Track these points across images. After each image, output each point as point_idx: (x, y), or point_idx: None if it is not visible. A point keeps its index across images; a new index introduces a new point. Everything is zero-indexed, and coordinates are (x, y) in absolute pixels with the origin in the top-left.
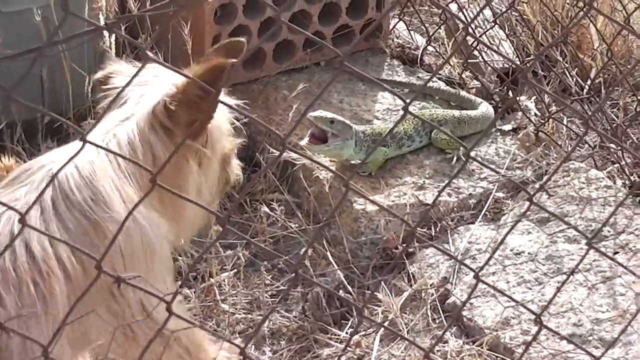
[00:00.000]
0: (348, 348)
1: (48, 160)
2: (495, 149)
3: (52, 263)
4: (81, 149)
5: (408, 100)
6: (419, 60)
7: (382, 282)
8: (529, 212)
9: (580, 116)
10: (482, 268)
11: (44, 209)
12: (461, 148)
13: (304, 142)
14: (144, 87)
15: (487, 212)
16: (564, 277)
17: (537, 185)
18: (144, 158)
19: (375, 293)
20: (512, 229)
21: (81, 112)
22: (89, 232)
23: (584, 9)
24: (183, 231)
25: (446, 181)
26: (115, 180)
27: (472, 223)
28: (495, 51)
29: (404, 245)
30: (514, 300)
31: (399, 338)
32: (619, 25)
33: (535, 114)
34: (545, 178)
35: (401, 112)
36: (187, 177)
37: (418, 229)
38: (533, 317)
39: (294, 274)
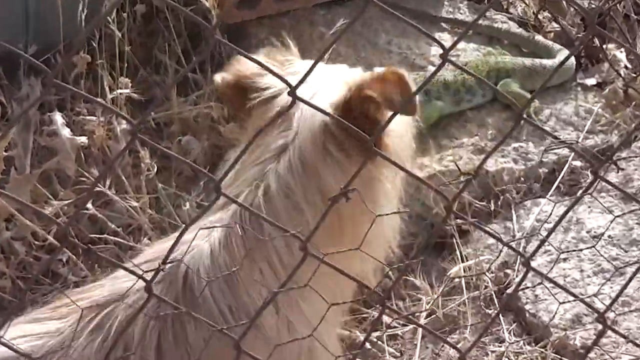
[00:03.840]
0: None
1: None
2: (575, 107)
3: None
4: None
5: (448, 47)
6: None
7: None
8: (609, 188)
9: None
10: (533, 254)
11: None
12: (534, 104)
13: None
14: (309, 87)
15: (560, 184)
16: None
17: (624, 154)
18: (308, 202)
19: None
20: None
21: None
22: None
23: None
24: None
25: (513, 144)
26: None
27: (542, 197)
28: None
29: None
30: (572, 294)
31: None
32: None
33: (626, 67)
34: (616, 145)
35: (455, 60)
36: (379, 197)
37: (476, 202)
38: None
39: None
